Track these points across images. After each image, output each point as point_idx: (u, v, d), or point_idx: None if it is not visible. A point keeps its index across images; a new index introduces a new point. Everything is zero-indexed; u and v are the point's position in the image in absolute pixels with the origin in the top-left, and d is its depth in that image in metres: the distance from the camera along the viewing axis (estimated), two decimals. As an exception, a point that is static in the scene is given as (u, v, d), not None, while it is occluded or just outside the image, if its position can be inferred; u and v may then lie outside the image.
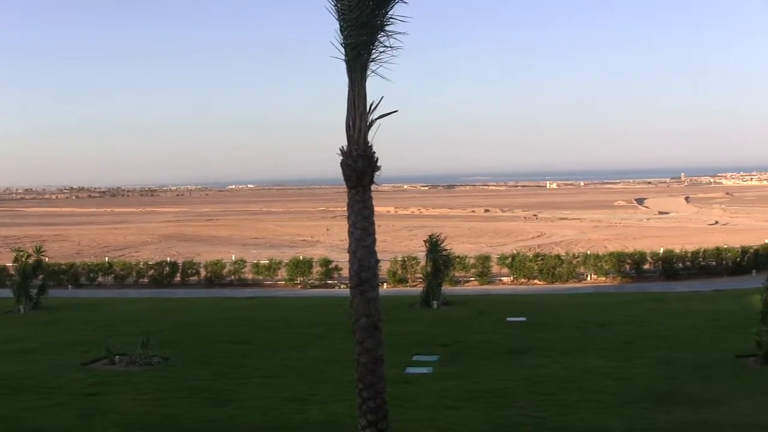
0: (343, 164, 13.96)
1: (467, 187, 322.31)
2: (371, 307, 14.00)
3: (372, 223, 14.10)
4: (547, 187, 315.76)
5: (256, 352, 28.12)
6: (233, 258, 54.77)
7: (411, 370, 24.35)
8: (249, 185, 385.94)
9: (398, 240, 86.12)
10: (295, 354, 27.61)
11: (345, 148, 13.94)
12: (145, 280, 53.36)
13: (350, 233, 14.07)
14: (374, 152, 13.96)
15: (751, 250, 53.17)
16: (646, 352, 26.69)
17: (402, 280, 49.37)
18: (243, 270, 52.68)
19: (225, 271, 52.60)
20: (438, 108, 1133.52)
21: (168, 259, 58.13)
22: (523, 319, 34.29)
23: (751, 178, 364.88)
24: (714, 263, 52.17)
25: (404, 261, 50.32)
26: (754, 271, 50.13)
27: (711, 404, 19.91)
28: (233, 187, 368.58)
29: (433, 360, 25.84)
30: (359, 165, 13.79)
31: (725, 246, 54.34)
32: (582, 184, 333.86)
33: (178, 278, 52.92)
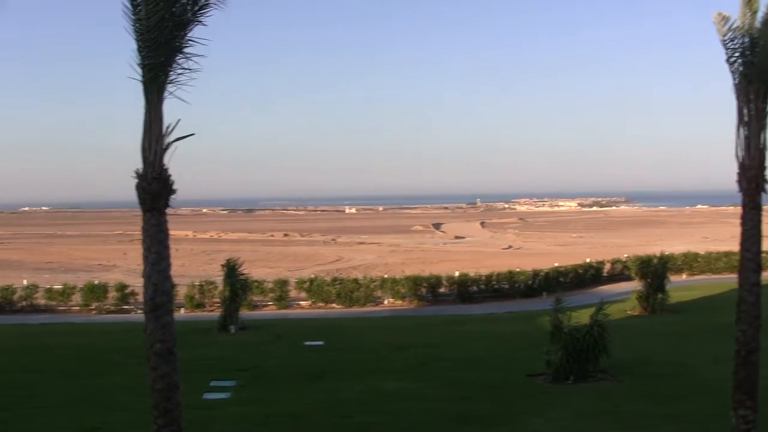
0: (138, 187, 13.71)
1: (267, 211, 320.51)
2: (166, 332, 13.78)
3: (167, 247, 13.89)
4: (346, 211, 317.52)
5: (48, 380, 27.22)
6: (25, 283, 52.78)
7: (209, 395, 24.11)
8: (43, 207, 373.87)
9: (196, 264, 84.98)
10: (89, 382, 26.91)
11: (141, 170, 13.71)
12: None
13: (145, 258, 13.82)
14: (170, 175, 13.78)
15: (542, 274, 54.96)
16: (441, 374, 27.24)
17: (199, 305, 48.71)
18: (35, 295, 50.79)
19: (16, 296, 50.52)
20: (239, 132, 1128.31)
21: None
22: (320, 342, 34.43)
23: (543, 204, 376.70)
24: (507, 286, 53.59)
25: (202, 285, 49.62)
26: (544, 293, 51.79)
27: (503, 422, 20.50)
28: (26, 209, 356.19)
29: (231, 385, 25.67)
30: (154, 188, 13.57)
31: (518, 270, 55.99)
32: (381, 208, 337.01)
33: (-37, 305, 50.54)
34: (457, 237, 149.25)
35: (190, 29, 13.77)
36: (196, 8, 13.70)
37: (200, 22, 13.82)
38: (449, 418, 20.89)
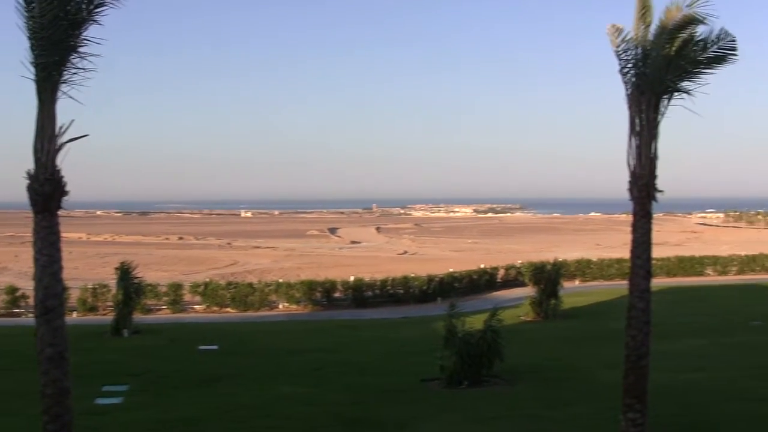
0: (29, 189, 13.45)
1: (162, 214, 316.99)
2: (57, 336, 13.54)
3: (59, 250, 13.65)
4: (242, 215, 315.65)
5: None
6: None
7: (101, 401, 23.70)
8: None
9: (90, 267, 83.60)
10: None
11: (32, 171, 13.44)
12: None
13: (36, 260, 13.56)
14: (62, 176, 13.55)
15: (437, 279, 55.44)
16: (335, 378, 27.24)
17: (92, 309, 47.87)
18: None
19: None
20: (135, 134, 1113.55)
21: None
22: (215, 347, 34.14)
23: (439, 210, 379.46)
24: (402, 291, 53.92)
25: (95, 289, 48.77)
26: (439, 298, 52.19)
27: (397, 427, 20.57)
28: None
29: (124, 390, 25.27)
30: (46, 189, 13.33)
31: (413, 275, 56.30)
32: (276, 213, 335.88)
33: None
34: (352, 242, 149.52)
35: (86, 28, 13.56)
36: (92, 7, 13.51)
37: (95, 21, 13.63)
38: (343, 423, 20.92)
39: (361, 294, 52.51)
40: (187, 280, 55.97)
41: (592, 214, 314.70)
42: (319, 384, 26.33)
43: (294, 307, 50.99)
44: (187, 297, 50.80)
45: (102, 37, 13.75)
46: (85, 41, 13.61)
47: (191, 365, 30.06)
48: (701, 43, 15.93)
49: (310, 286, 51.98)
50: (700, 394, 24.39)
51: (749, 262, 75.19)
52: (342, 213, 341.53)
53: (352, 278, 54.58)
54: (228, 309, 49.71)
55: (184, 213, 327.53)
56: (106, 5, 13.55)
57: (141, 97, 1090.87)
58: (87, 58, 13.68)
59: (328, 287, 52.39)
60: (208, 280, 54.22)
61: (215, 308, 49.88)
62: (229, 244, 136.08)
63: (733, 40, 15.69)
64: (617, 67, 16.25)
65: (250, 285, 52.14)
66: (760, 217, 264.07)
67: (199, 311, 49.86)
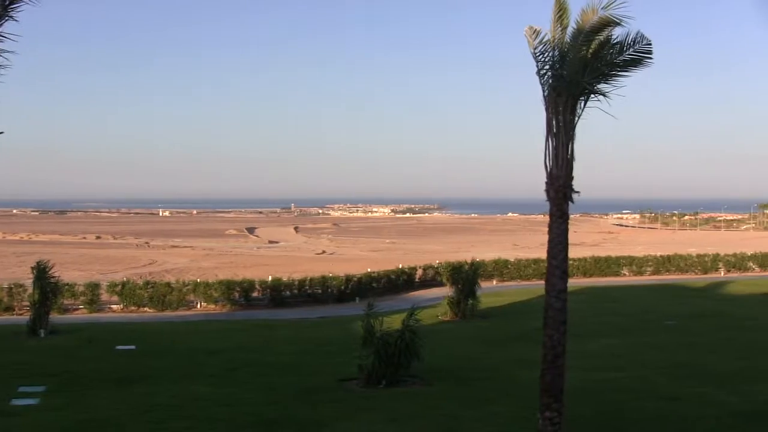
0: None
1: (79, 213, 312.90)
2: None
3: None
4: (160, 214, 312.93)
5: None
6: None
7: (16, 401, 23.31)
8: None
9: (5, 266, 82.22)
10: None
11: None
12: None
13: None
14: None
15: (355, 279, 55.45)
16: (254, 379, 27.09)
17: (8, 309, 46.97)
18: None
19: None
20: (52, 130, 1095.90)
21: None
22: (133, 347, 33.77)
23: (357, 210, 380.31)
24: (320, 291, 53.83)
25: (11, 288, 47.82)
26: (357, 298, 52.17)
27: (316, 427, 20.54)
28: None
29: (40, 391, 24.86)
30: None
31: (331, 275, 56.25)
32: (195, 212, 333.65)
33: None
34: (271, 241, 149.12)
35: (1, 24, 13.33)
36: (7, 3, 13.28)
37: (11, 17, 13.40)
38: (261, 423, 20.82)
39: (279, 294, 52.31)
40: (104, 280, 55.22)
41: (510, 214, 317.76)
42: (236, 384, 26.17)
43: (212, 306, 50.60)
44: (105, 297, 50.13)
45: (18, 33, 13.53)
46: (1, 37, 13.38)
47: (108, 365, 29.68)
48: (617, 45, 16.08)
49: (228, 286, 51.61)
50: (616, 392, 24.72)
51: (664, 263, 76.50)
52: (260, 213, 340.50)
53: (270, 278, 54.36)
54: (146, 309, 49.15)
55: (102, 212, 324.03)
56: (22, 1, 13.32)
57: (41, 91, 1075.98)
58: (3, 54, 13.45)
59: (246, 287, 52.08)
60: (125, 279, 53.55)
61: (133, 308, 49.28)
62: (147, 243, 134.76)
63: (649, 43, 15.88)
64: (535, 69, 16.37)
65: (168, 284, 51.64)
66: (675, 218, 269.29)
67: (116, 311, 49.21)
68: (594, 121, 16.60)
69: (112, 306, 49.94)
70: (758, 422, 21.12)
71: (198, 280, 54.67)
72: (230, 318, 46.42)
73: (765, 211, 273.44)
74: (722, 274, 75.89)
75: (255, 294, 52.44)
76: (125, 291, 49.75)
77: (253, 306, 51.25)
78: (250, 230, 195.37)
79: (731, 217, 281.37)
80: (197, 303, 51.00)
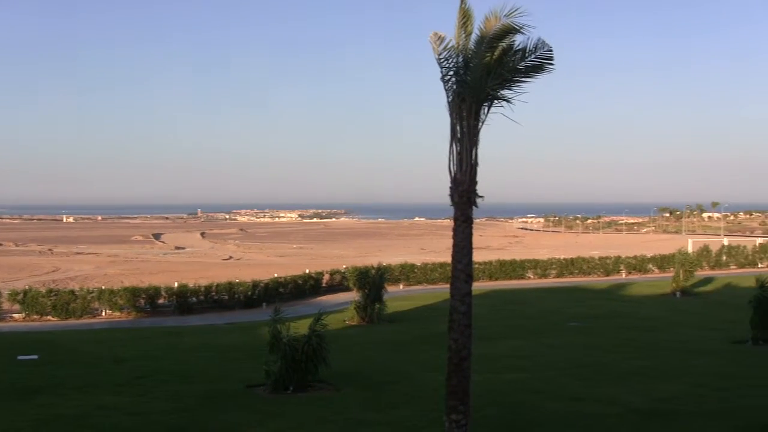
0: None
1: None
2: None
3: None
4: (64, 220, 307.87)
5: None
6: None
7: None
8: None
9: None
10: None
11: None
12: None
13: None
14: None
15: (262, 284, 55.34)
16: (161, 386, 26.84)
17: None
18: None
19: None
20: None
21: None
22: (35, 357, 33.20)
23: (264, 215, 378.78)
24: (227, 297, 53.56)
25: None
26: (264, 303, 52.18)
27: (223, 435, 20.44)
28: None
29: (-64, 403, 24.34)
30: None
31: (238, 280, 56.01)
32: (99, 218, 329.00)
33: None
34: (177, 247, 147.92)
35: None
36: None
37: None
38: (170, 431, 20.66)
39: (185, 300, 51.94)
40: (5, 288, 54.28)
41: (417, 219, 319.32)
42: (142, 393, 25.89)
43: (117, 314, 50.04)
44: (6, 305, 49.28)
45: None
46: None
47: (9, 376, 29.12)
48: (520, 52, 16.28)
49: (133, 293, 51.10)
50: (521, 393, 25.01)
51: (568, 266, 77.70)
52: (167, 218, 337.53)
53: (176, 284, 53.90)
54: (49, 317, 48.43)
55: (3, 218, 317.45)
56: None
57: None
58: None
59: (152, 294, 51.63)
60: (27, 287, 52.63)
61: (35, 316, 48.53)
62: (50, 250, 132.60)
63: (550, 50, 16.10)
64: (439, 75, 16.49)
65: (72, 292, 50.95)
66: (578, 222, 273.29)
67: (18, 320, 48.38)
68: (500, 126, 16.81)
69: (13, 315, 49.10)
70: (658, 419, 21.57)
71: (103, 287, 54.06)
72: (136, 325, 45.94)
73: (664, 214, 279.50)
74: (623, 276, 77.38)
75: (161, 301, 52.05)
76: (27, 299, 48.93)
77: (160, 313, 50.84)
78: (157, 236, 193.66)
79: (632, 221, 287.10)
80: (102, 311, 50.40)
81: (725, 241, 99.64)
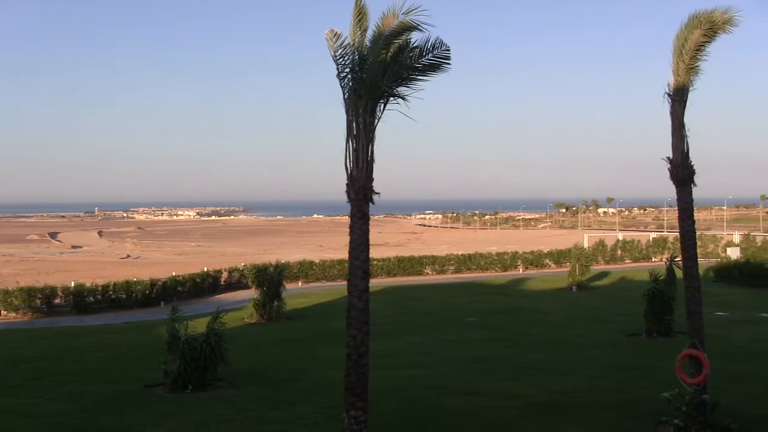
0: None
1: None
2: None
3: None
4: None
5: None
6: None
7: None
8: None
9: None
10: None
11: None
12: None
13: None
14: None
15: (160, 283, 54.71)
16: (59, 388, 26.49)
17: None
18: None
19: None
20: None
21: None
22: (-75, 359, 32.44)
23: (162, 214, 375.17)
24: (125, 296, 52.80)
25: None
26: (162, 302, 51.65)
27: (120, 435, 20.26)
28: None
29: None
30: None
31: (135, 279, 55.30)
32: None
33: None
34: (74, 246, 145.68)
35: None
36: None
37: None
38: (66, 433, 20.42)
39: (82, 300, 51.11)
40: None
41: (316, 216, 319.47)
42: (39, 394, 25.52)
43: (13, 315, 49.01)
44: None
45: None
46: None
47: None
48: (417, 50, 16.38)
49: (29, 293, 50.08)
50: (420, 389, 25.23)
51: (465, 261, 78.30)
52: (63, 217, 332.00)
53: (73, 284, 53.01)
54: (-61, 320, 47.34)
55: None
56: None
57: None
58: None
59: (48, 293, 50.69)
60: None
61: (-75, 319, 47.40)
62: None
63: (447, 49, 16.22)
64: (335, 72, 16.52)
65: (-36, 293, 49.81)
66: (476, 218, 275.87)
67: None
68: (397, 123, 16.92)
69: None
70: (554, 411, 21.99)
71: (-1, 287, 52.90)
72: (32, 326, 45.05)
73: (561, 210, 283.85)
74: (521, 271, 78.29)
75: (58, 301, 51.12)
76: None
77: (56, 313, 49.94)
78: (53, 235, 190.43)
79: (529, 217, 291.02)
80: None
81: (620, 235, 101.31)
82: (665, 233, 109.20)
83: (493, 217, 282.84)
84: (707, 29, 19.42)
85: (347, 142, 16.04)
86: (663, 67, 20.20)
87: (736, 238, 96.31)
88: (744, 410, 20.80)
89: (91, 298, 51.89)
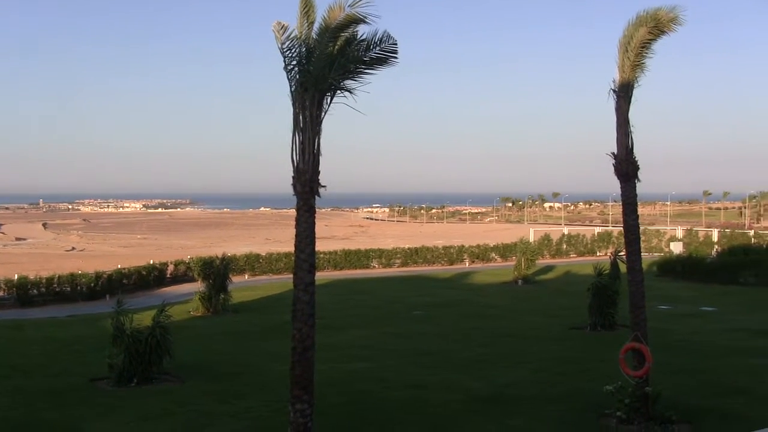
0: None
1: None
2: None
3: None
4: None
5: None
6: None
7: None
8: None
9: None
10: None
11: None
12: None
13: None
14: None
15: (105, 275, 54.27)
16: (0, 382, 26.15)
17: None
18: None
19: None
20: None
21: None
22: None
23: (108, 206, 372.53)
24: (69, 289, 52.30)
25: None
26: (108, 295, 51.22)
27: (65, 429, 20.09)
28: None
29: None
30: None
31: (80, 272, 54.82)
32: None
33: None
34: (18, 239, 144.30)
35: None
36: None
37: None
38: (9, 428, 20.19)
39: (26, 292, 50.54)
40: None
41: (263, 209, 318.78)
42: (-20, 389, 25.23)
43: (-47, 308, 48.46)
44: None
45: None
46: None
47: None
48: (364, 43, 16.38)
49: (-29, 287, 49.55)
50: (365, 382, 25.28)
51: (412, 255, 78.59)
52: (7, 209, 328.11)
53: (16, 276, 52.43)
54: None
55: None
56: None
57: None
58: None
59: (-10, 286, 50.15)
60: None
61: None
62: None
63: (395, 43, 16.23)
64: (282, 64, 16.48)
65: None
66: (423, 211, 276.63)
67: None
68: (344, 116, 16.94)
69: None
70: (498, 403, 22.14)
71: (-62, 281, 52.21)
72: (-27, 320, 44.54)
73: (507, 204, 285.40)
74: (467, 264, 78.72)
75: (0, 294, 50.53)
76: None
77: (-1, 306, 49.42)
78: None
79: (476, 211, 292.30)
80: (-64, 306, 48.72)
81: (565, 230, 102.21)
82: (610, 228, 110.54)
83: (439, 210, 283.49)
84: (652, 27, 19.65)
85: (294, 134, 16.01)
86: (609, 64, 20.44)
87: (679, 233, 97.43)
88: (684, 402, 21.06)
89: (35, 291, 51.35)
